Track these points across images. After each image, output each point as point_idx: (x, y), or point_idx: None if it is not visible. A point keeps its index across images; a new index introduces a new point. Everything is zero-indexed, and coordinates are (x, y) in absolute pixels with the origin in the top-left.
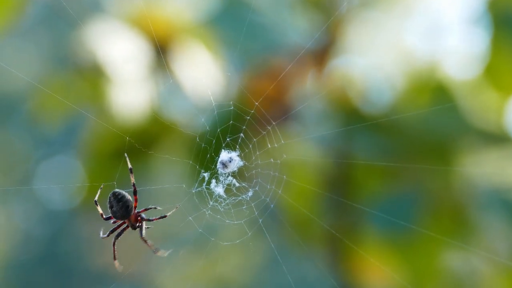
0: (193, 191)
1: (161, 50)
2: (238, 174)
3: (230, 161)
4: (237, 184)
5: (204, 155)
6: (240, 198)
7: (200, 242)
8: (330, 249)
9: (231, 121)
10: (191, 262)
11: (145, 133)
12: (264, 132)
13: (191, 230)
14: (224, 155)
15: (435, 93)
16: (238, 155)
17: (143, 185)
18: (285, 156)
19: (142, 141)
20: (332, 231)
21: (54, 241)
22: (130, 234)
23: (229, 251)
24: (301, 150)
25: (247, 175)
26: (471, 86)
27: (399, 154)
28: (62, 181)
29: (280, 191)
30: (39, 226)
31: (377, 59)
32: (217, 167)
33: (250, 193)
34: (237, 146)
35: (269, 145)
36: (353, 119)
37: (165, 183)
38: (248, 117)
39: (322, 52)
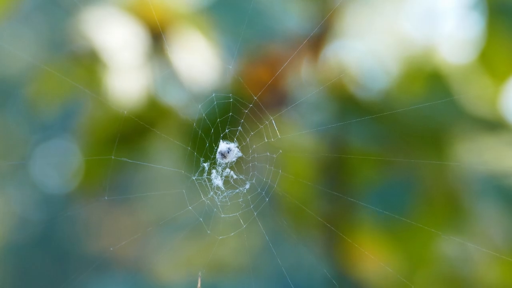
0: (194, 178)
1: (158, 37)
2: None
3: (228, 152)
4: (234, 176)
5: (202, 142)
6: (237, 190)
7: (198, 230)
8: (324, 235)
9: (230, 113)
10: (188, 247)
11: (141, 119)
12: (261, 126)
13: (190, 217)
14: (222, 145)
15: (430, 79)
16: (236, 146)
17: (142, 164)
18: (280, 151)
19: (138, 127)
20: (323, 221)
21: (50, 225)
22: (125, 216)
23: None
24: (296, 137)
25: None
26: (467, 72)
27: (394, 141)
28: (59, 165)
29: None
30: (35, 210)
31: (372, 45)
32: (216, 157)
33: (247, 186)
34: (235, 139)
35: (265, 138)
36: (348, 106)
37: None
38: (246, 110)
39: (318, 38)
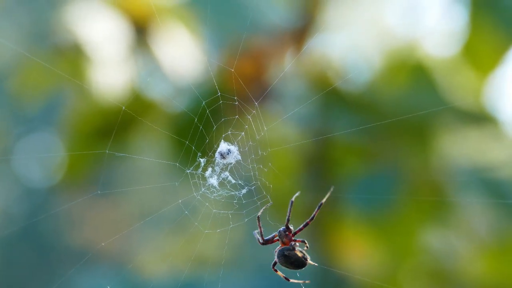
0: (188, 172)
1: (141, 31)
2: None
3: (228, 153)
4: (232, 181)
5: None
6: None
7: (183, 224)
8: (308, 229)
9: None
10: (172, 241)
11: (124, 111)
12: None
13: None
14: (223, 146)
15: (413, 72)
16: (237, 149)
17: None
18: (269, 149)
19: (122, 120)
20: (306, 214)
21: (33, 218)
22: (111, 211)
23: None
24: (280, 130)
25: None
26: (450, 65)
27: (378, 133)
28: (42, 159)
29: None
30: (18, 204)
31: (356, 38)
32: (215, 156)
33: (244, 190)
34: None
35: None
36: (332, 98)
37: (152, 161)
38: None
39: (301, 31)
